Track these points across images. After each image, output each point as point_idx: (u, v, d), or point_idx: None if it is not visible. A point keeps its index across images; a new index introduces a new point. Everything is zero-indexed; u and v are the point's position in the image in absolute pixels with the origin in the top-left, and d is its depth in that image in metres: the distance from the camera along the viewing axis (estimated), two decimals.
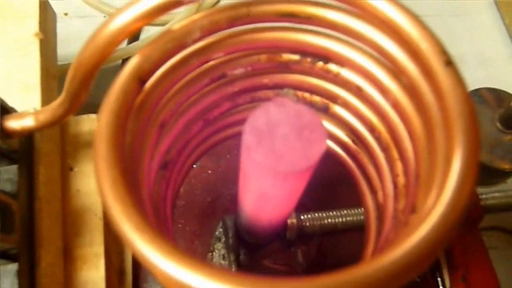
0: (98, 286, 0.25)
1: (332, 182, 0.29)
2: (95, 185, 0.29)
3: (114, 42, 0.16)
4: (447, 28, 0.49)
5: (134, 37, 0.44)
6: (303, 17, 0.17)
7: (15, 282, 0.21)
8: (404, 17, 0.15)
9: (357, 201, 0.26)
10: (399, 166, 0.20)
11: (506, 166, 0.37)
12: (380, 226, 0.22)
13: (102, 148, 0.14)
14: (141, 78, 0.15)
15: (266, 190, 0.18)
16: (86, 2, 0.45)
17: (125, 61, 0.42)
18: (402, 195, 0.19)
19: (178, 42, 0.16)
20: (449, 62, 0.14)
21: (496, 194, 0.30)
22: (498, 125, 0.38)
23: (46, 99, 0.27)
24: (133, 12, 0.16)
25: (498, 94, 0.40)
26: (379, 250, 0.21)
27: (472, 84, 0.41)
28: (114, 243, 0.28)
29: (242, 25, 0.17)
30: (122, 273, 0.28)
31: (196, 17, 0.17)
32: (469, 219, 0.28)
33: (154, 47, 0.16)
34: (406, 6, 0.16)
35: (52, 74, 0.30)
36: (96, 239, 0.26)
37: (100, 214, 0.27)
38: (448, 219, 0.14)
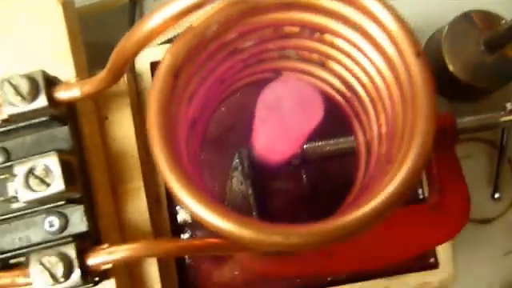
0: (143, 213, 0.32)
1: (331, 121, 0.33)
2: (127, 131, 0.34)
3: (152, 35, 0.20)
4: None
5: None
6: (303, 4, 0.21)
7: (84, 217, 0.27)
8: (388, 14, 0.19)
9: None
10: (383, 117, 0.24)
11: (486, 85, 0.41)
12: (368, 158, 0.28)
13: (155, 132, 0.19)
14: (174, 73, 0.19)
15: (275, 148, 0.23)
16: None
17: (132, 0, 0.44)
18: (383, 141, 0.24)
19: (200, 37, 0.20)
20: (419, 53, 0.18)
21: (471, 118, 0.35)
22: (482, 47, 0.41)
23: (78, 60, 0.31)
24: (169, 11, 0.19)
25: (488, 17, 0.42)
26: (367, 177, 0.27)
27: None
28: (149, 177, 0.34)
29: (251, 15, 0.21)
30: (158, 200, 0.35)
31: (211, 12, 0.20)
32: (445, 144, 0.34)
33: (181, 45, 0.19)
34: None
35: (77, 33, 0.32)
36: (135, 176, 0.32)
37: (136, 155, 0.32)
38: (416, 166, 0.19)
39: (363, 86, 0.25)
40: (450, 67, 0.41)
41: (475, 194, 0.41)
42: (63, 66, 0.30)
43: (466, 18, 0.42)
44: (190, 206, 0.18)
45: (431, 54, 0.44)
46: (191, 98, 0.23)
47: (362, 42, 0.22)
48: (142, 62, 0.36)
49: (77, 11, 0.34)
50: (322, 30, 0.23)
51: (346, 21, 0.21)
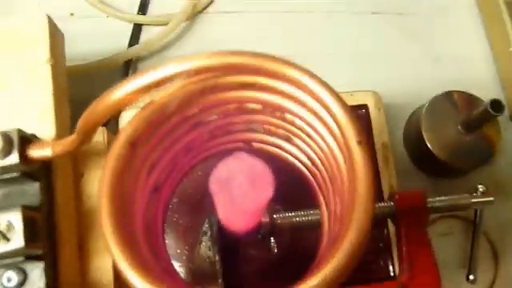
0: (108, 271, 0.32)
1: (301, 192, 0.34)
2: None
3: (116, 107, 0.21)
4: (428, 26, 0.51)
5: (135, 40, 0.48)
6: (262, 85, 0.22)
7: (43, 274, 0.27)
8: (336, 104, 0.20)
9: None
10: (338, 195, 0.25)
11: (462, 165, 0.42)
12: (328, 233, 0.28)
13: (105, 207, 0.19)
14: (132, 143, 0.20)
15: (232, 221, 0.23)
16: (88, 3, 0.49)
17: (127, 62, 0.46)
18: (338, 220, 0.24)
19: (160, 112, 0.21)
20: (360, 142, 0.19)
21: (442, 198, 0.35)
22: (459, 127, 0.42)
23: (60, 118, 0.32)
24: (131, 86, 0.20)
25: (468, 98, 0.43)
26: (323, 252, 0.27)
27: (450, 83, 0.44)
28: None
29: (212, 93, 0.22)
30: None
31: (173, 89, 0.21)
32: (416, 222, 0.34)
33: (141, 119, 0.21)
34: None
35: (63, 92, 0.34)
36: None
37: None
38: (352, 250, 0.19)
39: (322, 164, 0.26)
40: (428, 145, 0.42)
41: (452, 273, 0.41)
42: (45, 122, 0.31)
43: (446, 97, 0.43)
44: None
45: (412, 131, 0.45)
46: (153, 166, 0.24)
47: (318, 124, 0.23)
48: (126, 120, 0.38)
49: (71, 70, 0.36)
50: (283, 110, 0.24)
51: (303, 104, 0.22)
